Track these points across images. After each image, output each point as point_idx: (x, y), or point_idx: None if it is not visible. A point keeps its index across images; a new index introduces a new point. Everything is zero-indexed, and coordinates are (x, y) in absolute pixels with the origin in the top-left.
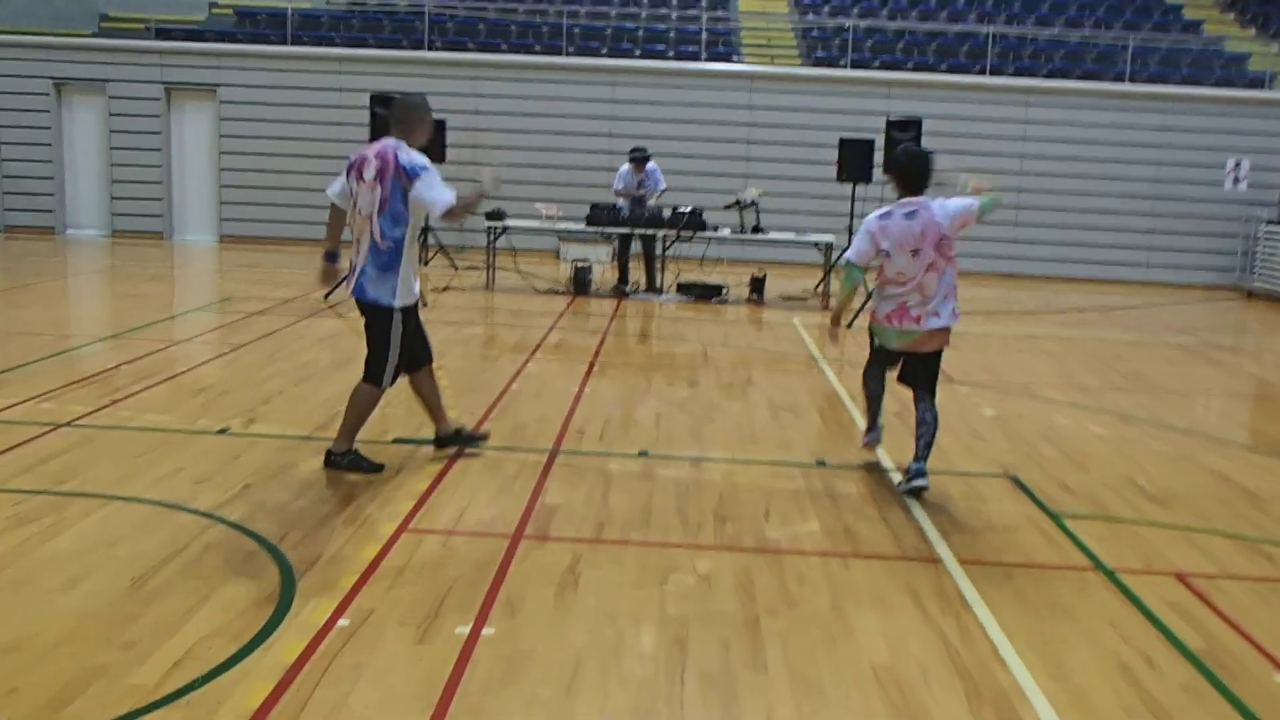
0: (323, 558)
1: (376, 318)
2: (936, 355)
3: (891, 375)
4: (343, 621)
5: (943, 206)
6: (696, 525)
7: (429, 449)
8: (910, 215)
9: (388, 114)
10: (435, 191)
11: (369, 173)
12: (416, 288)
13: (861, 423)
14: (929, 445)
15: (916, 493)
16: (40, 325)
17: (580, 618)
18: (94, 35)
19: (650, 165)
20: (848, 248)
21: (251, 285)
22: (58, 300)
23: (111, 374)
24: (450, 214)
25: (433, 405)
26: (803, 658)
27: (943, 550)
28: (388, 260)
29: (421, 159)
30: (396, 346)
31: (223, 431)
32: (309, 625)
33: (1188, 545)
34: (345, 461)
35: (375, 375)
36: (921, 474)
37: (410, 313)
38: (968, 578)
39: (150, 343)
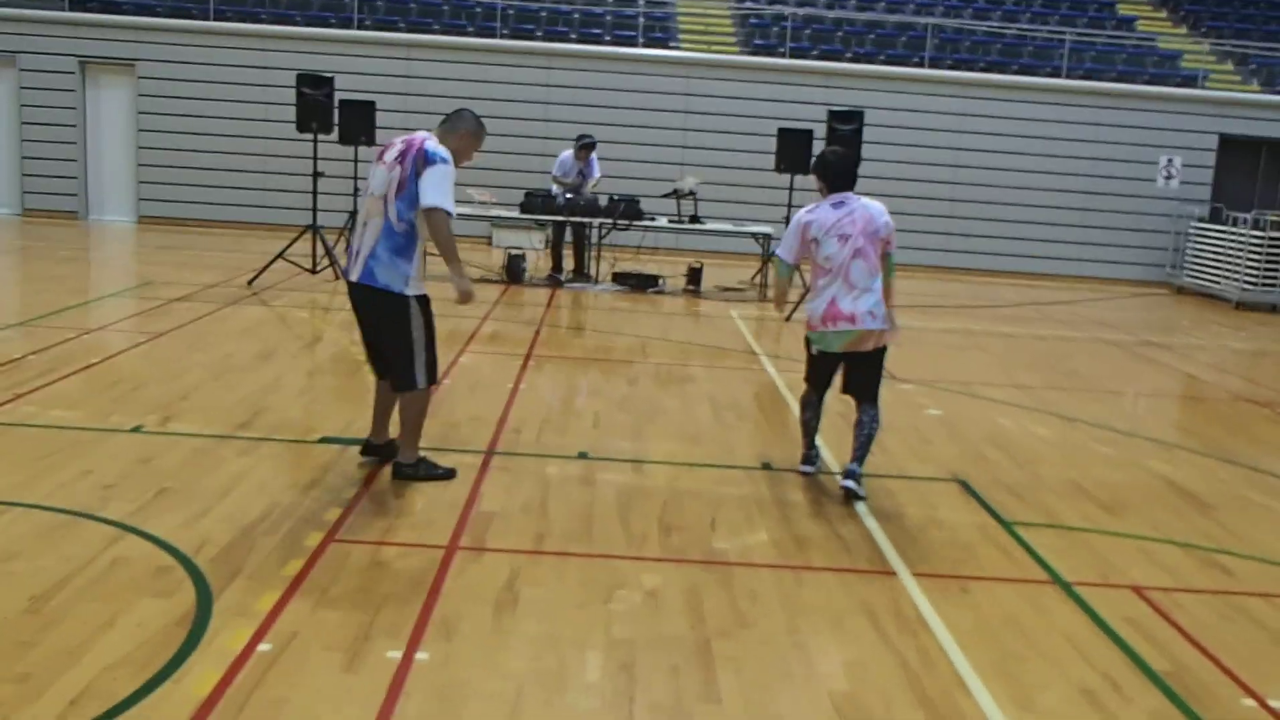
0: (242, 573)
1: (388, 309)
2: (879, 356)
3: (834, 386)
4: (263, 646)
5: (880, 209)
6: (641, 536)
7: (357, 449)
8: (838, 205)
9: (446, 118)
10: (439, 189)
11: (390, 154)
12: (423, 278)
13: None
14: (865, 448)
15: (850, 495)
16: None
17: (520, 641)
18: (4, 5)
19: (592, 154)
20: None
21: (172, 269)
22: None
23: (17, 365)
24: (434, 221)
25: (384, 412)
26: (758, 687)
27: (897, 563)
28: (402, 244)
29: (446, 154)
30: (422, 338)
31: (136, 430)
32: (226, 652)
33: (1142, 556)
34: (419, 472)
35: (405, 380)
36: (853, 476)
37: (426, 303)
38: (924, 594)
39: (61, 331)
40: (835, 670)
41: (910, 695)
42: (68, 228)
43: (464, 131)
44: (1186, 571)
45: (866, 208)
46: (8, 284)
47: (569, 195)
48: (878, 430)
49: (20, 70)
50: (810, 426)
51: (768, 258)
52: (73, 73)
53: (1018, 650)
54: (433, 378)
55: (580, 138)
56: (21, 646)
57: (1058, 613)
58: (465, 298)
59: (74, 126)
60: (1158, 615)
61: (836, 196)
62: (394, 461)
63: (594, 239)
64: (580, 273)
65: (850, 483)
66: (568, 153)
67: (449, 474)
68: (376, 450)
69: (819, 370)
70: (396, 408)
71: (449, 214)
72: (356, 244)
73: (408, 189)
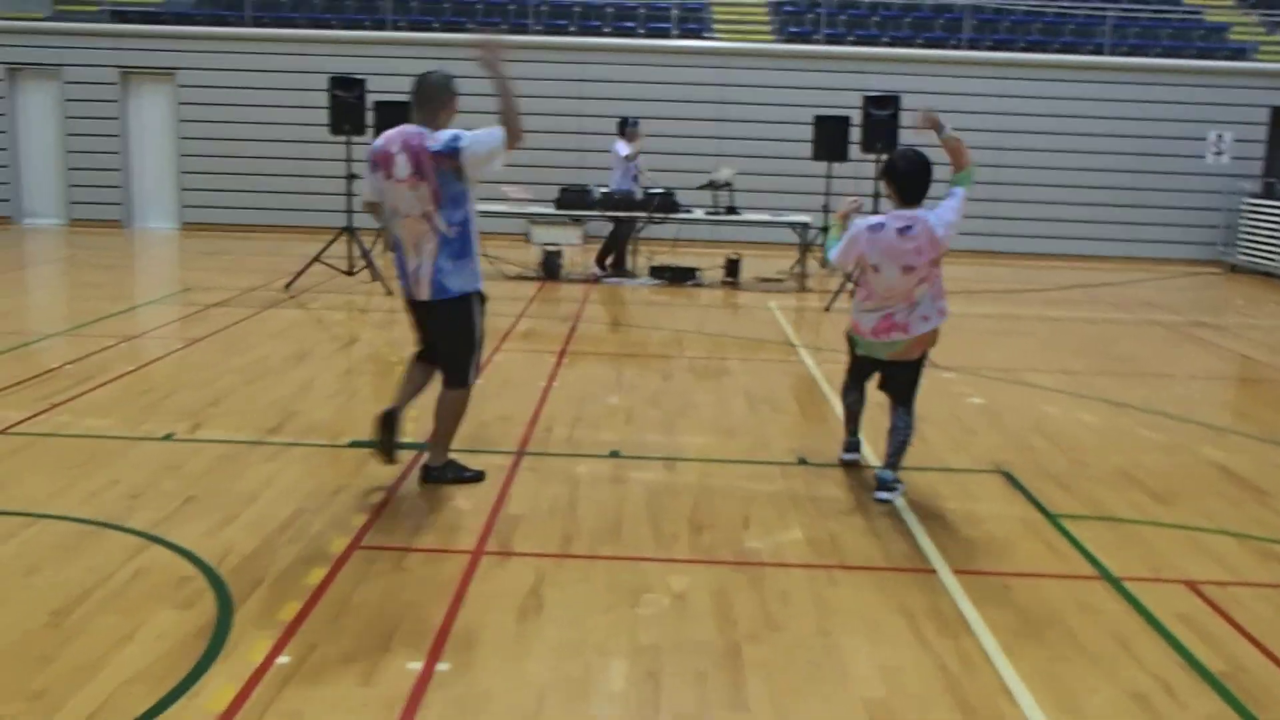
0: (264, 582)
1: (457, 310)
2: (919, 363)
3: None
4: (282, 659)
5: (939, 217)
6: (671, 536)
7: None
8: (905, 231)
9: (411, 96)
10: (485, 140)
11: (401, 169)
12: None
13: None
14: (898, 454)
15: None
16: None
17: (543, 649)
18: (47, 19)
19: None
20: (825, 229)
21: (212, 274)
22: (6, 294)
23: (54, 374)
24: (513, 139)
25: (410, 395)
26: (788, 694)
27: (936, 560)
28: (460, 246)
29: (448, 131)
30: (481, 333)
31: (167, 437)
32: (245, 664)
33: (1195, 549)
34: (447, 475)
35: (460, 376)
36: (885, 485)
37: (484, 299)
38: (964, 592)
39: (100, 339)
40: (870, 675)
41: (949, 701)
42: (112, 236)
43: (443, 100)
44: (1243, 564)
45: (931, 228)
46: (52, 293)
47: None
48: (912, 436)
49: (64, 83)
50: (854, 411)
51: (806, 247)
52: (114, 83)
53: (1064, 652)
54: (478, 373)
55: (634, 121)
56: (40, 661)
57: (1106, 610)
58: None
59: (116, 136)
60: (1213, 611)
61: (904, 217)
62: (423, 465)
63: (629, 232)
64: (618, 267)
65: (882, 494)
66: (624, 142)
67: (478, 476)
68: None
69: (861, 368)
70: (421, 386)
71: (504, 135)
72: (414, 264)
73: (445, 196)
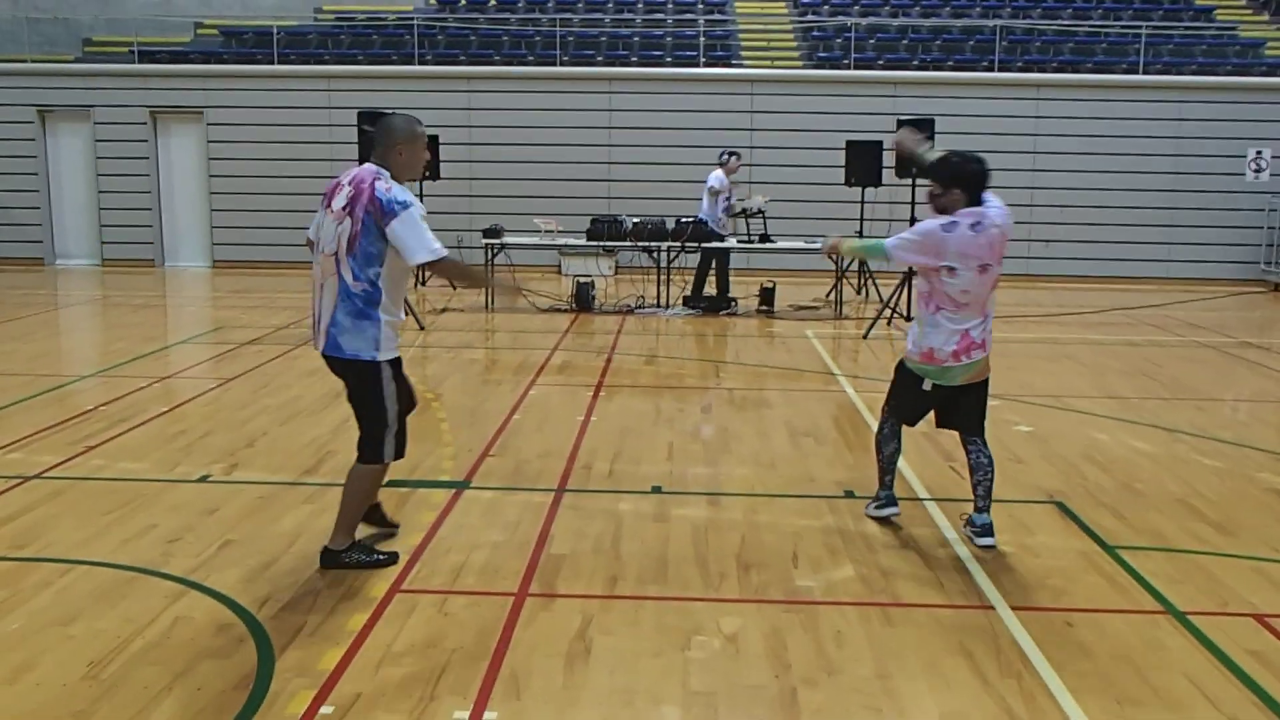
0: (304, 629)
1: (360, 376)
2: (988, 381)
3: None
4: (325, 709)
5: (999, 209)
6: (719, 575)
7: (425, 492)
8: (976, 227)
9: (371, 135)
10: (414, 237)
11: (339, 201)
12: (397, 338)
13: None
14: (989, 492)
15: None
16: (18, 363)
17: (593, 697)
18: (77, 60)
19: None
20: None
21: (244, 312)
22: (40, 336)
23: (89, 416)
24: (436, 269)
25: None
26: None
27: (993, 596)
28: (362, 307)
29: (402, 194)
30: (393, 408)
31: (203, 479)
32: (286, 717)
33: (1261, 580)
34: (351, 559)
35: (373, 451)
36: (989, 531)
37: (397, 365)
38: (1025, 630)
39: (133, 380)
40: None
41: None
42: (144, 275)
43: (397, 141)
44: None
45: (1002, 223)
46: (85, 333)
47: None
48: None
49: (95, 124)
50: (892, 463)
51: (842, 274)
52: (144, 123)
53: (1134, 693)
54: (399, 451)
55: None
56: (77, 717)
57: (1174, 647)
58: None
59: (147, 176)
60: None
61: (971, 214)
62: (323, 548)
63: (662, 263)
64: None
65: (989, 540)
66: (721, 173)
67: (390, 560)
68: (368, 516)
69: (923, 405)
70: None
71: (443, 256)
72: (316, 309)
73: (359, 246)
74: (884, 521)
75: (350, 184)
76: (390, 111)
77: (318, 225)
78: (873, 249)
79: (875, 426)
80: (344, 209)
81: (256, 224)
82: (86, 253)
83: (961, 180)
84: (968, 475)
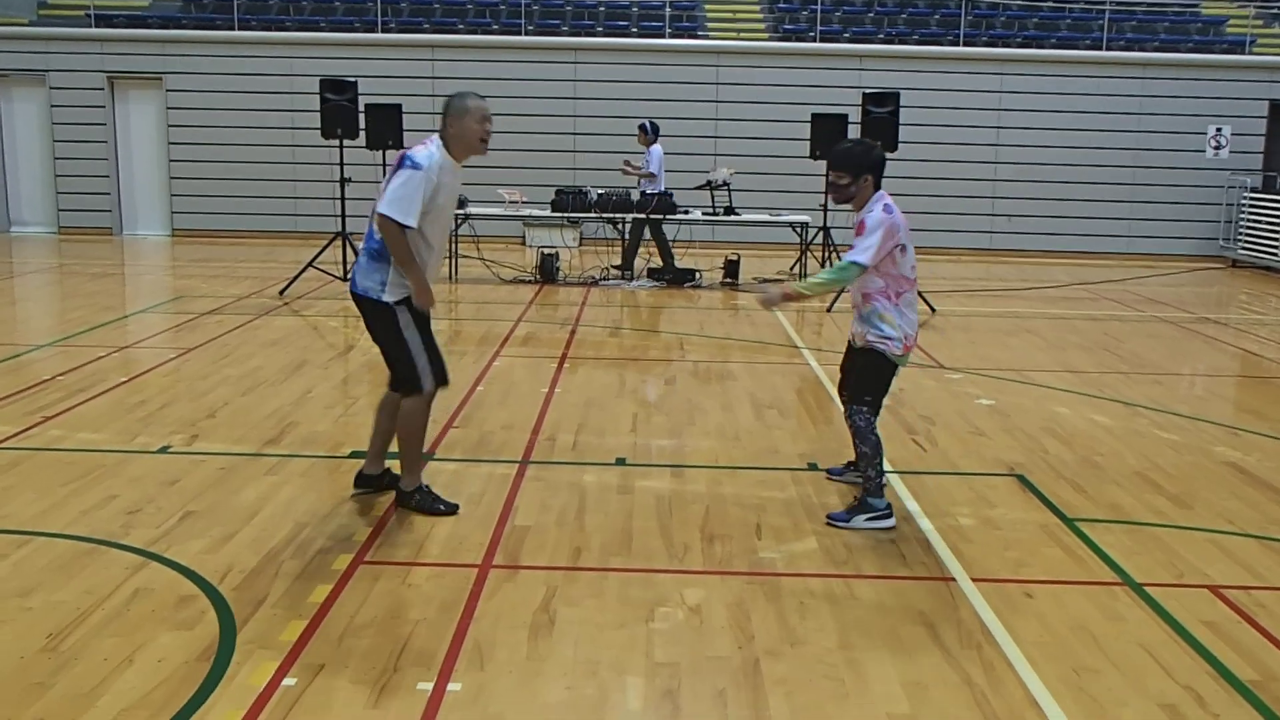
0: (267, 601)
1: (373, 315)
2: None
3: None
4: (288, 681)
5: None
6: (683, 547)
7: (388, 463)
8: (892, 207)
9: None
10: (398, 190)
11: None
12: (413, 292)
13: None
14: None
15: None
16: None
17: (557, 668)
18: (32, 24)
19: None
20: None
21: (204, 282)
22: None
23: (46, 386)
24: (381, 229)
25: (381, 435)
26: (811, 711)
27: (954, 567)
28: (378, 249)
29: (425, 158)
30: (417, 340)
31: (163, 450)
32: (248, 688)
33: (1217, 552)
34: (415, 502)
35: (409, 380)
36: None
37: (410, 305)
38: (985, 601)
39: (92, 349)
40: (894, 690)
41: (976, 716)
42: (102, 244)
43: (452, 115)
44: (1266, 568)
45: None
46: (41, 302)
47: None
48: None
49: (50, 89)
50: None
51: (806, 246)
52: (101, 89)
53: (1091, 662)
54: (440, 379)
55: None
56: (36, 689)
57: (1131, 618)
58: (423, 303)
59: (104, 143)
60: (1239, 618)
61: (882, 195)
62: (396, 488)
63: (627, 234)
64: (621, 269)
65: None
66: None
67: (450, 510)
68: (370, 481)
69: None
70: (390, 428)
71: (399, 224)
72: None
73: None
74: (848, 494)
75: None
76: (351, 80)
77: None
78: (845, 272)
79: (839, 400)
80: (392, 166)
81: (216, 192)
82: (42, 220)
83: (873, 166)
84: (919, 447)
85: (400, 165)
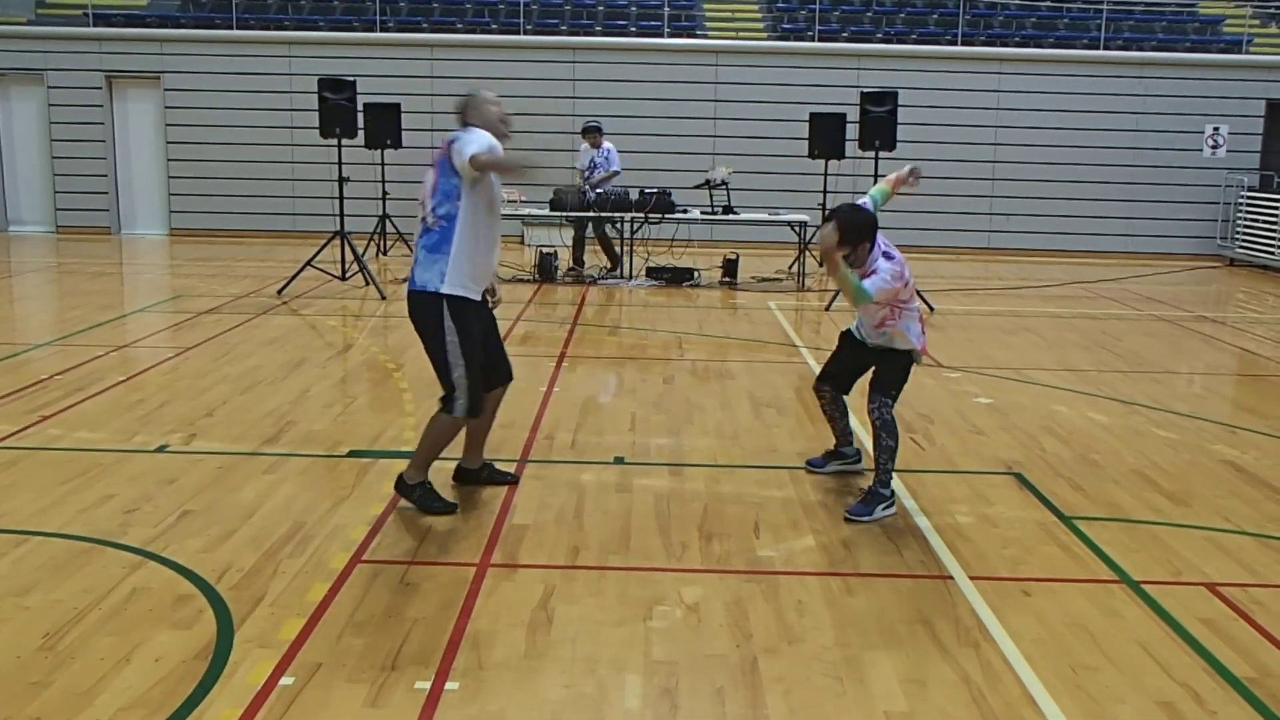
0: (265, 599)
1: (422, 308)
2: None
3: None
4: (285, 680)
5: None
6: (681, 545)
7: (387, 462)
8: (893, 255)
9: None
10: (474, 140)
11: (433, 160)
12: (476, 288)
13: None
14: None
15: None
16: None
17: (556, 666)
18: (30, 23)
19: (606, 144)
20: (879, 270)
21: (203, 281)
22: None
23: (44, 385)
24: (477, 163)
25: (477, 430)
26: (809, 709)
27: (952, 566)
28: (437, 240)
29: (471, 133)
30: (457, 348)
31: (161, 449)
32: (246, 687)
33: (1215, 550)
34: (416, 496)
35: (447, 401)
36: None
37: (468, 309)
38: (982, 599)
39: (90, 348)
40: (892, 688)
41: (974, 713)
42: (100, 243)
43: (470, 109)
44: (1263, 565)
45: None
46: (40, 301)
47: (585, 190)
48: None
49: (49, 88)
50: None
51: (805, 246)
52: (99, 88)
53: (1088, 660)
54: (473, 408)
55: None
56: (33, 688)
57: (1128, 616)
58: (518, 160)
59: (103, 142)
60: (1236, 615)
61: (882, 245)
62: (399, 477)
63: (626, 234)
64: (612, 269)
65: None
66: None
67: (448, 509)
68: (470, 476)
69: None
70: (486, 421)
71: (482, 150)
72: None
73: (438, 184)
74: (845, 490)
75: (442, 144)
76: (350, 79)
77: None
78: (857, 291)
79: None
80: (433, 162)
81: (215, 191)
82: (40, 219)
83: (868, 232)
84: (918, 445)
85: (450, 144)
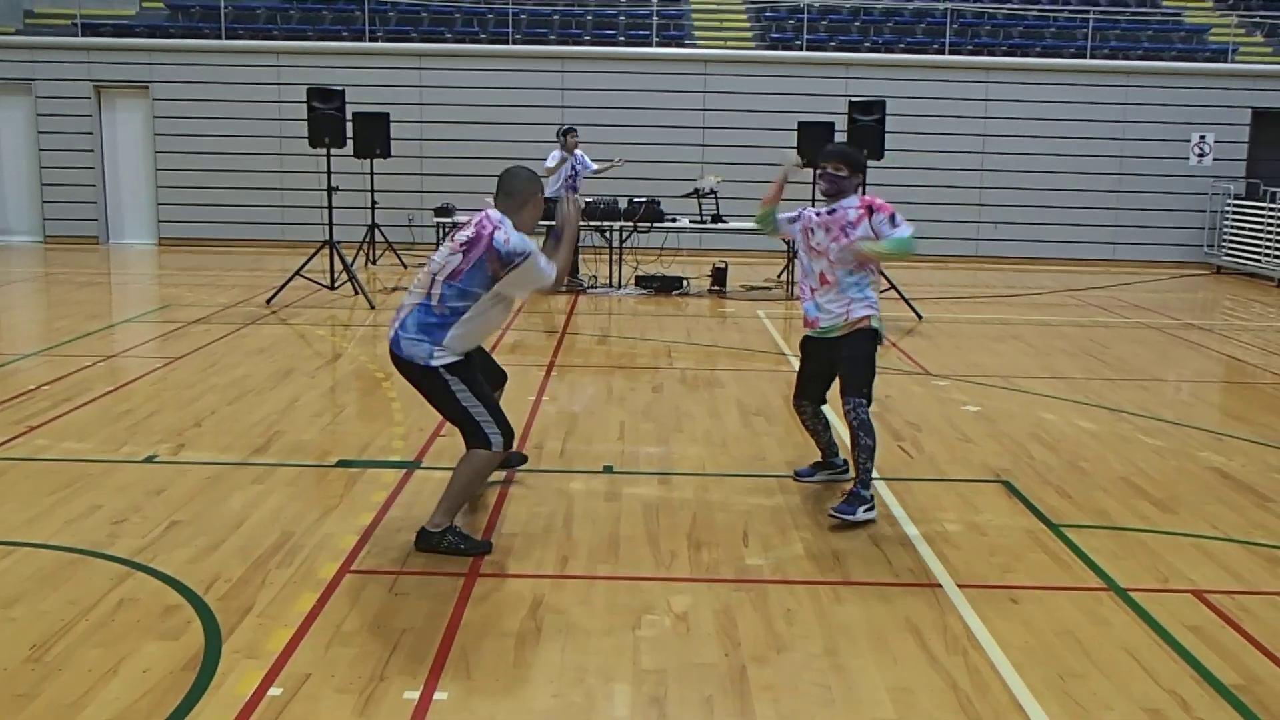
0: (253, 610)
1: (422, 380)
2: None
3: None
4: (274, 691)
5: None
6: (670, 554)
7: (375, 472)
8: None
9: (497, 184)
10: (536, 274)
11: (461, 236)
12: (457, 357)
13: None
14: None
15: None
16: None
17: (544, 675)
18: (18, 32)
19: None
20: (897, 224)
21: (191, 290)
22: None
23: (31, 395)
24: (554, 285)
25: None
26: (798, 718)
27: (940, 574)
28: (434, 325)
29: (521, 243)
30: (472, 399)
31: (149, 460)
32: (234, 698)
33: (1202, 557)
34: (443, 544)
35: (478, 438)
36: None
37: (462, 364)
38: (971, 606)
39: (78, 358)
40: (880, 696)
41: None
42: (88, 252)
43: (526, 196)
44: (1250, 572)
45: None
46: (28, 311)
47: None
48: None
49: (37, 97)
50: None
51: (793, 255)
52: (88, 97)
53: (1075, 667)
54: (508, 434)
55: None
56: (19, 700)
57: (1116, 623)
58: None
59: (91, 151)
60: (1223, 622)
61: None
62: (419, 529)
63: (614, 242)
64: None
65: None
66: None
67: (483, 548)
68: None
69: None
70: None
71: (553, 275)
72: (399, 308)
73: (461, 279)
74: (833, 498)
75: (475, 225)
76: (338, 88)
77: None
78: (898, 244)
79: (824, 409)
80: (463, 245)
81: (204, 201)
82: (28, 229)
83: (864, 170)
84: (906, 453)
85: (504, 263)
